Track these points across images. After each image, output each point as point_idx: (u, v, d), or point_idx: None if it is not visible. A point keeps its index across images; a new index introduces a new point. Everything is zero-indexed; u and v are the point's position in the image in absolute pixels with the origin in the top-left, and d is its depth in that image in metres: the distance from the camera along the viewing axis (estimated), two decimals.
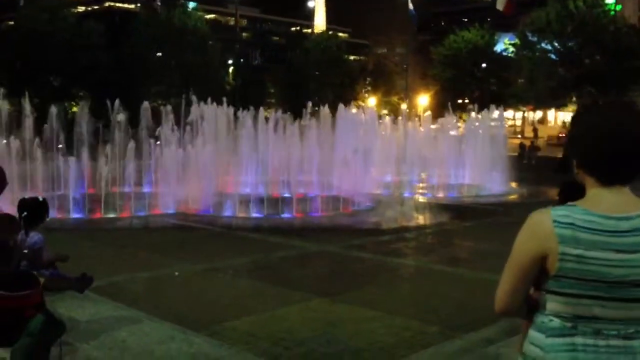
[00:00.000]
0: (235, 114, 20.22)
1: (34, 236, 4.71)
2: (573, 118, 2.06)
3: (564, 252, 1.86)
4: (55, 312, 3.91)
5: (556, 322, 1.93)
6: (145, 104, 21.55)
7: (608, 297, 1.85)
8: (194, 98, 19.60)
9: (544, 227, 1.90)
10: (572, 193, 4.26)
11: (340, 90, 62.95)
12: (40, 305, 3.96)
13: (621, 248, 1.83)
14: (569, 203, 1.96)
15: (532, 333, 2.00)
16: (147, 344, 4.26)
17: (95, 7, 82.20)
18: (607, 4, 49.69)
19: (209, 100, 20.41)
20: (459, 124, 65.33)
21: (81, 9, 71.80)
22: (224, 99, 21.14)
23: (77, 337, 4.17)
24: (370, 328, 6.63)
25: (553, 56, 49.14)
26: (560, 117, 74.81)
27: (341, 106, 24.19)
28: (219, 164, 17.73)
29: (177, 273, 8.88)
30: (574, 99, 48.75)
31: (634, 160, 1.90)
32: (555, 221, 1.88)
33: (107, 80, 44.59)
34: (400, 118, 29.59)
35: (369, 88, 73.50)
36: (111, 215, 14.44)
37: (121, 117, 20.61)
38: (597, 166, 1.93)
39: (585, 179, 1.99)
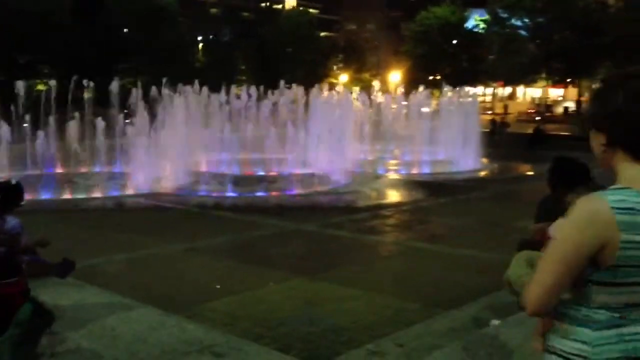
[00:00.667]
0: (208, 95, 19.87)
1: (11, 221, 4.55)
2: (602, 91, 1.91)
3: (626, 240, 1.75)
4: (44, 301, 3.79)
5: (603, 314, 1.83)
6: (115, 84, 20.88)
7: None
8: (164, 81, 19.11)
9: (602, 216, 1.75)
10: (568, 168, 4.26)
11: (312, 67, 62.57)
12: (26, 292, 3.84)
13: None
14: (620, 186, 1.81)
15: (573, 328, 1.87)
16: (138, 332, 4.17)
17: None
18: None
19: (180, 83, 19.95)
20: (432, 101, 65.54)
21: None
22: (196, 81, 20.67)
23: (64, 325, 4.05)
24: (351, 306, 6.65)
25: (523, 32, 49.44)
26: (529, 93, 75.65)
27: (316, 88, 23.85)
28: (192, 142, 17.49)
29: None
30: (544, 75, 49.23)
31: None
32: (613, 208, 1.74)
33: (76, 57, 43.47)
34: (372, 96, 29.46)
35: (341, 65, 73.14)
36: (83, 196, 14.14)
37: (90, 94, 20.16)
38: (638, 141, 1.81)
39: (616, 157, 1.85)
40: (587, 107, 1.98)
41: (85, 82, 19.46)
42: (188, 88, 19.68)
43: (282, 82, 25.67)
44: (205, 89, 20.12)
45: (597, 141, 1.89)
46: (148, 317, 4.52)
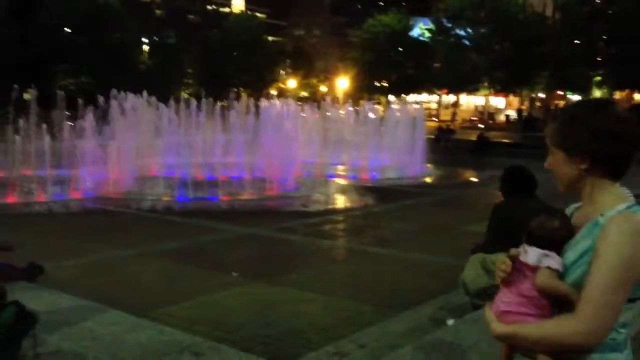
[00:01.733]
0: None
1: None
2: (575, 116, 1.90)
3: None
4: (25, 304, 3.76)
5: (624, 333, 1.83)
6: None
7: None
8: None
9: None
10: (519, 177, 4.47)
11: (260, 72, 62.50)
12: (3, 296, 3.78)
13: None
14: (629, 203, 1.84)
15: (603, 356, 1.80)
16: (116, 333, 4.17)
17: None
18: None
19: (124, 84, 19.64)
20: (378, 107, 66.55)
21: None
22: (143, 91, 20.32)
23: (41, 329, 4.01)
24: (307, 309, 6.76)
25: (466, 42, 50.87)
26: (472, 101, 77.72)
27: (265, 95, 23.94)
28: (141, 146, 17.25)
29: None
30: (486, 83, 50.74)
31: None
32: None
33: (12, 57, 41.98)
34: (320, 103, 29.71)
35: (289, 70, 73.32)
36: (27, 200, 13.74)
37: (31, 96, 19.58)
38: (622, 162, 1.87)
39: (591, 179, 1.88)
40: (558, 130, 1.93)
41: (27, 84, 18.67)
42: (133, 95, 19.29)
43: (231, 90, 25.37)
44: (153, 97, 19.76)
45: (571, 166, 1.89)
46: (125, 319, 4.52)
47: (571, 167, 1.89)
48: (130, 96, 19.06)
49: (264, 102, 23.40)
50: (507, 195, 4.59)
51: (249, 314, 6.54)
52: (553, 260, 1.86)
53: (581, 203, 1.99)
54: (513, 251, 1.96)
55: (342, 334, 5.74)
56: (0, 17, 43.07)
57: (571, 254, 1.86)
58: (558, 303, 1.85)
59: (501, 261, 1.97)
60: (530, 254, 1.89)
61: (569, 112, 1.94)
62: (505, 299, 1.93)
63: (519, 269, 1.91)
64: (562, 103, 68.34)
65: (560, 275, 1.85)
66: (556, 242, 1.90)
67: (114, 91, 18.73)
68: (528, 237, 1.94)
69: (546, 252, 1.87)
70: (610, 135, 1.82)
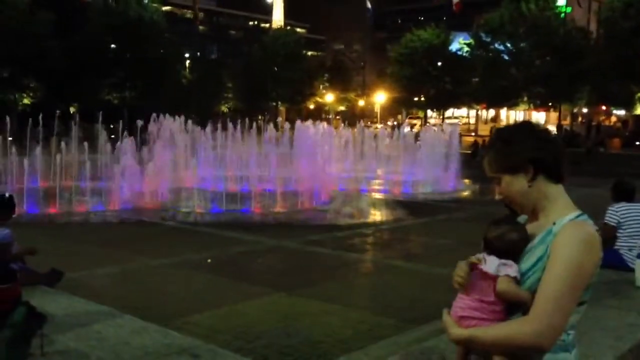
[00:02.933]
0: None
1: (2, 231, 4.74)
2: (504, 139, 2.06)
3: (601, 258, 1.95)
4: (41, 306, 4.01)
5: (572, 335, 1.96)
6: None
7: None
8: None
9: (596, 238, 1.91)
10: None
11: (298, 87, 63.09)
12: (18, 299, 4.03)
13: None
14: (578, 212, 1.97)
15: (555, 356, 1.91)
16: (122, 336, 4.37)
17: None
18: (558, 7, 51.19)
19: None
20: (415, 122, 66.34)
21: None
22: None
23: (53, 329, 4.24)
24: (327, 321, 6.84)
25: (506, 57, 50.38)
26: (512, 116, 76.76)
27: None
28: (178, 159, 17.66)
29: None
30: (525, 98, 50.08)
31: None
32: (596, 230, 1.93)
33: (60, 70, 43.45)
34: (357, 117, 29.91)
35: (327, 84, 73.79)
36: (66, 210, 14.24)
37: (75, 109, 20.30)
38: (560, 162, 2.03)
39: (539, 188, 2.01)
40: (496, 158, 2.06)
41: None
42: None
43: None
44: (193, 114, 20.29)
45: (518, 182, 2.02)
46: (133, 323, 4.72)
47: (519, 183, 2.03)
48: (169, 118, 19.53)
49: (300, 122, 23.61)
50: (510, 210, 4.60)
51: (269, 324, 6.66)
52: (511, 269, 1.97)
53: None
54: (472, 258, 2.05)
55: (360, 346, 5.81)
56: (47, 32, 44.62)
57: (527, 261, 1.98)
58: (510, 308, 1.95)
59: (459, 268, 2.09)
60: (489, 263, 2.01)
61: (500, 139, 2.10)
62: (462, 304, 2.05)
63: (478, 276, 2.03)
64: (607, 118, 67.01)
65: (518, 282, 1.96)
66: (515, 252, 2.01)
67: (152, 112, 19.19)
68: (487, 246, 2.05)
69: (504, 261, 1.99)
70: (544, 140, 2.01)
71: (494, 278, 1.98)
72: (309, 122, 25.90)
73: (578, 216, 1.96)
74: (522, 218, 2.14)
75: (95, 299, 6.22)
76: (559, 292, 1.83)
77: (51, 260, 7.02)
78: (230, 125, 19.70)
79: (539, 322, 1.82)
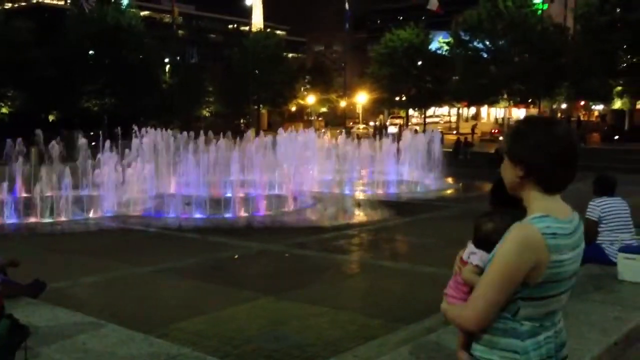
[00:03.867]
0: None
1: None
2: (525, 129, 2.11)
3: (553, 260, 2.01)
4: (24, 318, 3.95)
5: (527, 325, 2.07)
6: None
7: (564, 290, 2.12)
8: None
9: (535, 240, 1.99)
10: (505, 189, 4.54)
11: (279, 89, 63.02)
12: (1, 311, 3.96)
13: (573, 246, 2.08)
14: (540, 214, 2.04)
15: (503, 340, 2.08)
16: (108, 346, 4.32)
17: (23, 3, 79.32)
18: (534, 4, 51.67)
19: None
20: (397, 121, 66.48)
21: (8, 5, 69.04)
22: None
23: (38, 341, 4.18)
24: (316, 324, 6.84)
25: (485, 54, 50.75)
26: (492, 114, 77.32)
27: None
28: (160, 165, 17.56)
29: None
30: (505, 95, 50.47)
31: (575, 173, 2.11)
32: (543, 233, 1.99)
33: (39, 79, 43.01)
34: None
35: (308, 86, 73.81)
36: (48, 220, 14.08)
37: (55, 117, 20.15)
38: (553, 177, 2.07)
39: (527, 187, 2.10)
40: (506, 140, 2.17)
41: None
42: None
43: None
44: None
45: (512, 172, 2.13)
46: (118, 333, 4.67)
47: (512, 173, 2.14)
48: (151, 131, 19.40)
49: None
50: (495, 208, 4.63)
51: (258, 328, 6.64)
52: (476, 257, 2.26)
53: None
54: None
55: (349, 348, 5.81)
56: (28, 40, 44.17)
57: (492, 253, 2.12)
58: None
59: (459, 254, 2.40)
60: (467, 250, 2.32)
61: (515, 126, 2.21)
62: (450, 283, 2.36)
63: (461, 260, 2.36)
64: (586, 113, 67.77)
65: (482, 270, 2.17)
66: (487, 242, 2.21)
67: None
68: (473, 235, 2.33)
69: (474, 249, 2.28)
70: (542, 151, 2.05)
71: (464, 263, 2.29)
72: (292, 130, 25.86)
73: (534, 218, 2.04)
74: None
75: (80, 309, 6.15)
76: (487, 285, 2.04)
77: (34, 271, 6.92)
78: (211, 134, 19.61)
79: (469, 308, 2.08)
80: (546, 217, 2.03)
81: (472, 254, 2.24)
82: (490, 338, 2.09)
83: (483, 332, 2.10)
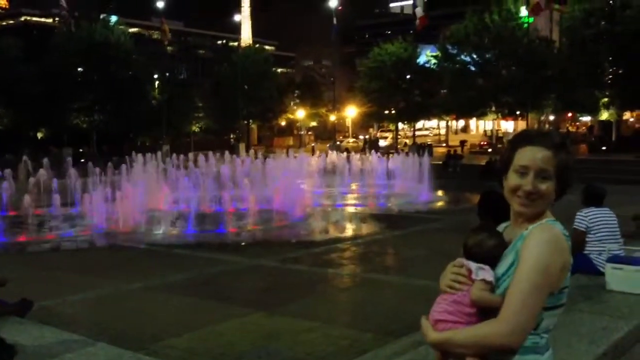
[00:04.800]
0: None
1: None
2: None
3: (571, 263, 1.99)
4: (5, 337, 3.91)
5: (544, 337, 1.99)
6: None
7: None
8: None
9: (562, 241, 1.95)
10: (493, 201, 4.57)
11: (269, 104, 63.11)
12: None
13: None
14: (553, 218, 2.02)
15: (525, 357, 1.95)
16: None
17: (11, 21, 79.25)
18: (520, 17, 52.23)
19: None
20: (387, 135, 66.69)
21: None
22: None
23: None
24: (308, 338, 6.81)
25: (472, 67, 51.14)
26: (481, 126, 77.76)
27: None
28: (149, 181, 17.51)
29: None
30: (493, 108, 50.81)
31: None
32: (565, 235, 1.97)
33: (28, 96, 42.91)
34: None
35: (297, 100, 74.00)
36: (36, 237, 13.98)
37: (43, 135, 20.12)
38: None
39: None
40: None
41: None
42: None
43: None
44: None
45: (553, 194, 2.04)
46: (106, 351, 4.63)
47: (553, 196, 2.04)
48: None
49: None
50: (482, 220, 4.64)
51: (249, 344, 6.61)
52: (487, 274, 2.03)
53: (510, 222, 2.16)
54: (455, 263, 2.14)
55: None
56: (16, 57, 44.10)
57: (501, 266, 2.03)
58: (485, 312, 1.99)
59: (451, 270, 2.14)
60: (471, 267, 2.07)
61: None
62: (439, 308, 2.09)
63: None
64: (574, 125, 68.32)
65: (493, 287, 2.02)
66: (493, 259, 2.07)
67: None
68: (466, 253, 2.11)
69: (481, 265, 2.05)
70: (574, 169, 2.07)
71: (472, 281, 2.04)
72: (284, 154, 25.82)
73: (549, 221, 2.01)
74: (500, 227, 2.19)
75: (68, 327, 6.11)
76: (525, 292, 1.88)
77: (22, 290, 6.86)
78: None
79: (507, 322, 1.88)
80: (557, 221, 2.03)
81: (481, 269, 2.02)
82: (511, 358, 1.93)
83: (499, 352, 1.92)
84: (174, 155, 19.31)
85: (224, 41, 79.68)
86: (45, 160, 17.21)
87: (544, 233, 1.95)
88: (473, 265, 2.06)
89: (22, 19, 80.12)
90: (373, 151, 27.33)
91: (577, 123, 71.08)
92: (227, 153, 25.92)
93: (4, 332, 4.29)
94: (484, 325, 1.95)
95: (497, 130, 60.65)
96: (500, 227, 2.19)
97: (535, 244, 1.93)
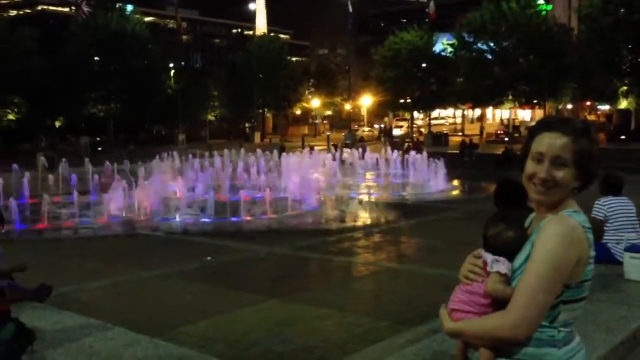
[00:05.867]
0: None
1: None
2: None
3: (590, 256, 1.94)
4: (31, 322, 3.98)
5: (563, 331, 1.96)
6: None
7: (589, 290, 2.03)
8: None
9: (578, 233, 1.90)
10: (510, 190, 4.54)
11: (284, 92, 63.13)
12: (6, 315, 3.99)
13: (592, 244, 2.00)
14: (575, 209, 1.97)
15: (539, 350, 1.93)
16: (114, 348, 4.34)
17: (28, 10, 79.80)
18: (538, 5, 51.59)
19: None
20: (402, 124, 66.41)
21: (13, 12, 69.52)
22: None
23: (44, 345, 4.20)
24: (322, 326, 6.84)
25: (489, 56, 50.65)
26: (497, 115, 77.16)
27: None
28: (166, 170, 17.62)
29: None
30: (510, 97, 50.36)
31: None
32: (583, 227, 1.92)
33: (44, 86, 43.30)
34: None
35: (312, 89, 73.88)
36: (55, 225, 14.14)
37: (62, 124, 20.33)
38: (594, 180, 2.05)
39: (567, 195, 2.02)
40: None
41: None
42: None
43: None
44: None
45: (573, 182, 1.98)
46: (124, 336, 4.68)
47: (572, 184, 1.99)
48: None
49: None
50: (499, 207, 4.62)
51: (264, 331, 6.64)
52: (503, 266, 2.00)
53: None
54: (474, 254, 2.13)
55: (355, 350, 5.81)
56: (32, 48, 44.45)
57: (518, 258, 2.00)
58: (499, 304, 1.97)
59: (470, 261, 2.13)
60: (487, 259, 2.05)
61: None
62: (455, 298, 2.10)
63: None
64: (594, 113, 67.47)
65: (509, 279, 1.99)
66: (510, 251, 2.03)
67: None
68: (485, 243, 2.09)
69: (497, 257, 2.02)
70: (597, 157, 2.01)
71: (487, 274, 2.03)
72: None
73: (570, 212, 1.96)
74: (528, 220, 2.14)
75: (86, 313, 6.18)
76: (534, 285, 1.86)
77: (40, 276, 6.95)
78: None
79: (514, 315, 1.87)
80: (580, 212, 1.97)
81: (496, 261, 2.00)
82: (524, 350, 1.92)
83: (516, 344, 1.92)
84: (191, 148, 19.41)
85: (239, 30, 79.82)
86: (63, 149, 17.36)
87: (558, 225, 1.90)
88: (489, 257, 2.03)
89: (39, 8, 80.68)
90: (389, 149, 27.05)
91: (597, 112, 70.23)
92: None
93: (24, 317, 4.36)
94: (493, 317, 1.94)
95: (514, 119, 60.12)
96: (529, 218, 2.14)
97: (547, 237, 1.89)
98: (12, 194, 15.29)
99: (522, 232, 2.05)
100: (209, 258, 10.13)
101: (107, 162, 18.02)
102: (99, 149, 39.21)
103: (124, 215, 15.07)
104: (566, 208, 1.98)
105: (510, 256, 2.02)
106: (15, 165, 17.79)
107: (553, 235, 1.88)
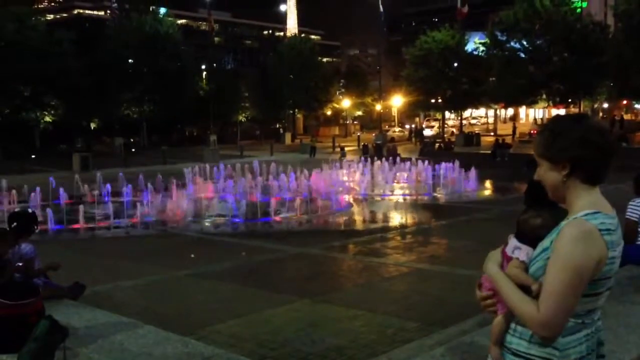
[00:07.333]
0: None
1: (25, 247, 4.85)
2: (556, 130, 2.08)
3: (610, 257, 1.98)
4: (64, 319, 4.10)
5: (571, 321, 2.03)
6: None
7: (609, 287, 2.08)
8: None
9: (596, 236, 1.95)
10: (540, 190, 4.50)
11: (314, 93, 63.23)
12: (41, 312, 4.12)
13: (619, 242, 2.04)
14: (592, 211, 2.00)
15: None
16: (144, 346, 4.42)
17: (64, 14, 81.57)
18: (573, 2, 50.63)
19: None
20: (433, 124, 65.83)
21: (50, 16, 71.15)
22: None
23: (77, 342, 4.31)
24: (352, 326, 6.84)
25: (522, 55, 49.89)
26: (531, 114, 76.00)
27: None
28: (199, 170, 17.82)
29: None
30: (544, 96, 49.52)
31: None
32: (600, 230, 1.95)
33: (80, 87, 44.19)
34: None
35: (343, 90, 73.84)
36: (91, 225, 14.42)
37: (96, 125, 20.70)
38: (601, 167, 2.05)
39: (572, 186, 2.06)
40: (541, 144, 2.09)
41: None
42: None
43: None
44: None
45: (555, 174, 2.07)
46: (154, 334, 4.76)
47: (554, 174, 2.09)
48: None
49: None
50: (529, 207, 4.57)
51: (294, 331, 6.67)
52: (522, 253, 2.14)
53: None
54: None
55: (384, 351, 5.80)
56: (68, 50, 45.41)
57: (538, 248, 2.09)
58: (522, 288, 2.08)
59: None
60: (510, 244, 2.20)
61: (549, 126, 2.15)
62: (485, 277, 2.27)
63: (503, 254, 2.26)
64: (633, 112, 65.92)
65: (527, 267, 2.11)
66: (533, 238, 2.14)
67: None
68: (517, 228, 2.23)
69: (519, 244, 2.16)
70: (589, 143, 2.02)
71: (508, 259, 2.16)
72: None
73: (587, 214, 1.99)
74: None
75: (118, 311, 6.30)
76: (560, 292, 1.94)
77: (75, 275, 7.12)
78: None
79: (545, 316, 1.95)
80: (597, 213, 1.99)
81: (516, 248, 2.13)
82: (530, 332, 2.04)
83: (521, 325, 2.06)
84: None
85: (270, 31, 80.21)
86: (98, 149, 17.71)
87: (574, 230, 1.96)
88: (513, 242, 2.17)
89: (75, 12, 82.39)
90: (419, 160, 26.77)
91: (634, 111, 68.61)
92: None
93: (58, 314, 4.47)
94: (529, 303, 2.00)
95: (548, 119, 59.06)
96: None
97: (565, 243, 1.95)
98: (49, 195, 15.64)
99: (549, 221, 2.11)
100: (243, 254, 10.39)
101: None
102: (133, 150, 39.95)
103: (157, 215, 15.27)
104: (583, 209, 2.02)
105: (534, 243, 2.12)
106: (51, 178, 18.13)
107: (571, 241, 1.94)
